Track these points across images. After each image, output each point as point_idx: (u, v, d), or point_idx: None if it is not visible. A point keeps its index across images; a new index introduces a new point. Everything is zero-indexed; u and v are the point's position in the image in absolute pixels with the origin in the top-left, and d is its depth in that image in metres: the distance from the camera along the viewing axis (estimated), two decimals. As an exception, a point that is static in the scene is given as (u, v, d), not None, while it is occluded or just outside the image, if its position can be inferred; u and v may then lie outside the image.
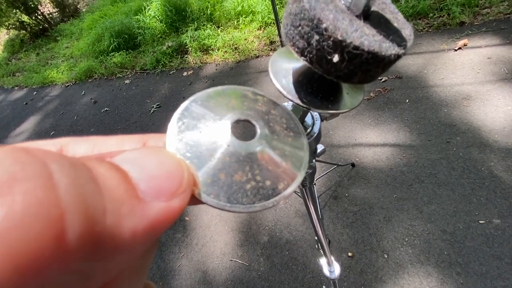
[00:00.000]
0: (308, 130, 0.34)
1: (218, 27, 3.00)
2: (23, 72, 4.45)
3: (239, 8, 2.81)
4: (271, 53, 2.49)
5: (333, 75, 0.16)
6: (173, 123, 0.15)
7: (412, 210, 1.23)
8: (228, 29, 2.91)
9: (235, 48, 2.70)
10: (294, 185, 0.14)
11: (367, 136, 1.57)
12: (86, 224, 0.08)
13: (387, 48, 0.14)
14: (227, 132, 0.14)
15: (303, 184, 0.50)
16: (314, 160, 0.44)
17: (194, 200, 0.13)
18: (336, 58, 0.15)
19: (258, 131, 0.15)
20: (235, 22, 2.88)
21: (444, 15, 2.01)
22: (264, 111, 0.17)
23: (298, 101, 0.19)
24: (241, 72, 2.47)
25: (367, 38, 0.14)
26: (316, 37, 0.15)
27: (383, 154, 1.47)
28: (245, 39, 2.69)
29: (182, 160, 0.13)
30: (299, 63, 0.20)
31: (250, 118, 0.16)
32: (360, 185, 1.39)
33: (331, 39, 0.14)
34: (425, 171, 1.33)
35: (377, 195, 1.33)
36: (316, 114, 0.34)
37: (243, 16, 2.82)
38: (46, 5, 5.85)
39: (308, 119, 0.34)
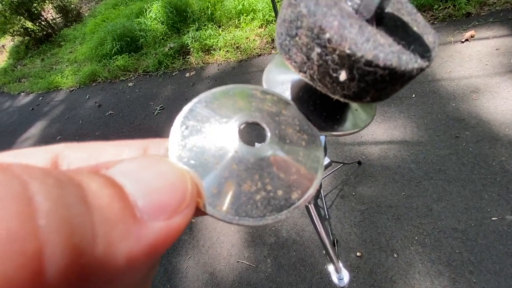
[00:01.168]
0: None
1: (219, 26, 2.98)
2: (29, 78, 4.51)
3: (240, 6, 2.79)
4: (273, 51, 2.47)
5: (339, 94, 0.13)
6: (176, 127, 0.13)
7: (422, 208, 1.21)
8: (229, 28, 2.89)
9: (237, 47, 2.69)
10: (309, 194, 0.13)
11: (373, 133, 1.54)
12: (70, 256, 0.07)
13: (408, 61, 0.12)
14: (234, 137, 0.13)
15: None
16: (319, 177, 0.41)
17: (198, 212, 0.12)
18: (343, 76, 0.12)
19: (268, 134, 0.14)
20: (236, 21, 2.86)
21: (449, 7, 1.96)
22: (274, 112, 0.15)
23: None
24: (244, 71, 2.45)
25: (382, 49, 0.11)
26: (318, 50, 0.12)
27: (390, 151, 1.44)
28: (247, 38, 2.67)
29: (186, 170, 0.12)
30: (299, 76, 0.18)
31: (259, 120, 0.14)
32: (367, 183, 1.37)
33: (337, 52, 0.12)
34: (434, 168, 1.30)
35: (385, 193, 1.31)
36: None
37: (244, 14, 2.80)
38: (49, 11, 5.91)
39: None
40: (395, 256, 1.12)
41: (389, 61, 0.11)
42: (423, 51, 0.13)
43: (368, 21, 0.12)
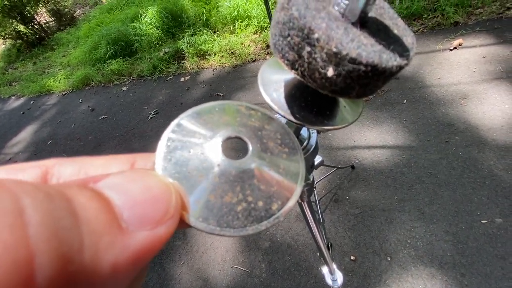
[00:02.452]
0: (305, 144, 0.32)
1: (214, 32, 3.01)
2: (20, 81, 4.44)
3: (235, 13, 2.82)
4: (267, 57, 2.50)
5: (327, 89, 0.15)
6: (163, 141, 0.14)
7: (414, 211, 1.22)
8: (224, 34, 2.92)
9: (232, 52, 2.71)
10: (289, 205, 0.14)
11: (366, 138, 1.56)
12: (58, 264, 0.08)
13: (388, 59, 0.13)
14: (217, 151, 0.14)
15: (301, 198, 0.49)
16: (312, 175, 0.42)
17: (182, 224, 0.12)
18: (330, 72, 0.13)
19: (250, 148, 0.15)
20: (231, 27, 2.89)
21: (438, 16, 2.02)
22: (257, 126, 0.16)
23: (291, 117, 0.17)
24: (238, 76, 2.47)
25: (365, 48, 0.13)
26: (308, 48, 0.13)
27: (382, 155, 1.46)
28: (242, 44, 2.70)
29: (170, 183, 0.12)
30: (291, 74, 0.19)
31: (241, 135, 0.15)
32: (361, 187, 1.38)
33: (324, 50, 0.13)
34: (425, 172, 1.33)
35: (378, 197, 1.32)
36: None
37: (239, 20, 2.84)
38: (42, 15, 5.86)
39: (304, 132, 0.33)
40: (389, 259, 1.13)
41: (371, 59, 0.13)
42: (402, 51, 0.14)
43: (353, 24, 0.14)
